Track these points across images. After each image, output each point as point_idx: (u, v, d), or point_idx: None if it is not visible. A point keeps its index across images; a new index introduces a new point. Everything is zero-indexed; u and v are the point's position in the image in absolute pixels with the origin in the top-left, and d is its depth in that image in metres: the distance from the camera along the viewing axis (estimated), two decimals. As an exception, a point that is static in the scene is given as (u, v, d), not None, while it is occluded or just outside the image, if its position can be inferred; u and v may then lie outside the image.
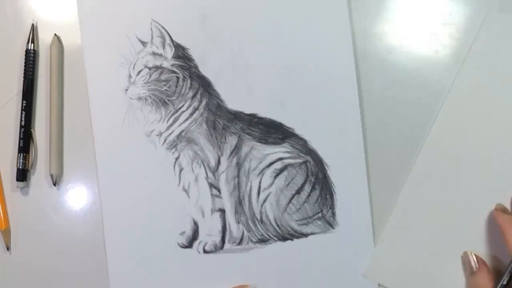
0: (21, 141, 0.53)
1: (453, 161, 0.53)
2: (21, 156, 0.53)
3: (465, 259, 0.47)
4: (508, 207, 0.51)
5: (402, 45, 0.55)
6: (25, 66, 0.54)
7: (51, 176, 0.53)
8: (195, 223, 0.54)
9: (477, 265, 0.46)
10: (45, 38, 0.55)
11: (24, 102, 0.53)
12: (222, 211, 0.54)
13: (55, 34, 0.54)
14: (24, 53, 0.54)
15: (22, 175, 0.53)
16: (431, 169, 0.54)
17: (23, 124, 0.53)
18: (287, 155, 0.54)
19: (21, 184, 0.53)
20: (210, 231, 0.54)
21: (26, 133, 0.53)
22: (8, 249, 0.53)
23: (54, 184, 0.53)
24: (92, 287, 0.53)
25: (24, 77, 0.54)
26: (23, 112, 0.53)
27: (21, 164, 0.53)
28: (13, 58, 0.54)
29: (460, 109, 0.54)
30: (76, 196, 0.54)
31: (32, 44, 0.54)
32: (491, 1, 0.55)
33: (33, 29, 0.54)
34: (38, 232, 0.54)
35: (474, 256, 0.46)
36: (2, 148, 0.54)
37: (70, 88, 0.54)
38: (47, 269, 0.53)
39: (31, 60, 0.54)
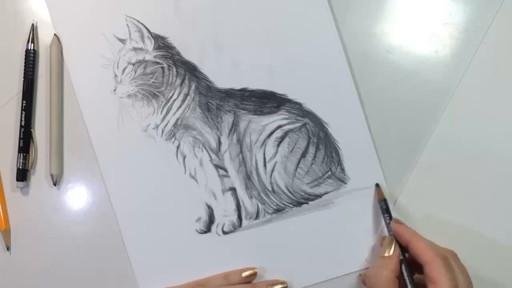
0: (21, 141, 0.53)
1: (460, 155, 0.54)
2: (21, 156, 0.53)
3: (386, 242, 0.49)
4: None
5: (402, 45, 0.55)
6: (25, 66, 0.54)
7: (51, 176, 0.53)
8: (209, 207, 0.54)
9: (391, 253, 0.48)
10: (45, 38, 0.55)
11: (24, 102, 0.53)
12: (233, 190, 0.54)
13: (55, 34, 0.54)
14: (24, 53, 0.54)
15: (22, 175, 0.53)
16: (436, 163, 0.54)
17: (23, 124, 0.53)
18: (285, 121, 0.54)
19: (21, 184, 0.53)
20: (225, 212, 0.54)
21: (26, 133, 0.53)
22: (8, 249, 0.53)
23: (55, 184, 0.53)
24: (92, 287, 0.53)
25: (24, 77, 0.54)
26: (23, 112, 0.53)
27: (21, 164, 0.53)
28: (13, 58, 0.54)
29: (468, 101, 0.54)
30: (76, 196, 0.54)
31: (32, 44, 0.54)
32: (491, 1, 0.55)
33: (33, 29, 0.54)
34: (38, 232, 0.54)
35: (394, 246, 0.49)
36: (2, 148, 0.54)
37: (70, 88, 0.54)
38: (47, 269, 0.53)
39: (31, 60, 0.54)
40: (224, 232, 0.54)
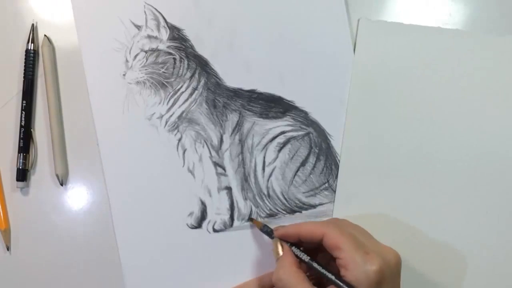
0: (21, 141, 0.53)
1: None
2: (21, 156, 0.53)
3: (273, 247, 0.49)
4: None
5: (402, 45, 0.55)
6: (25, 66, 0.54)
7: (57, 176, 0.53)
8: (203, 203, 0.54)
9: (282, 252, 0.48)
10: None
11: (24, 102, 0.53)
12: (229, 189, 0.54)
13: (45, 35, 0.54)
14: (24, 53, 0.54)
15: (22, 175, 0.53)
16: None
17: (23, 124, 0.53)
18: (289, 128, 0.54)
19: (21, 184, 0.53)
20: (218, 210, 0.54)
21: (26, 133, 0.53)
22: (8, 249, 0.53)
23: (61, 184, 0.53)
24: (92, 287, 0.53)
25: (24, 77, 0.54)
26: (23, 112, 0.53)
27: (21, 164, 0.53)
28: (13, 58, 0.54)
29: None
30: (76, 196, 0.54)
31: (32, 44, 0.54)
32: (490, 1, 0.55)
33: (33, 29, 0.54)
34: (38, 232, 0.54)
35: (280, 245, 0.48)
36: (2, 148, 0.54)
37: (70, 87, 0.54)
38: (47, 269, 0.53)
39: (31, 60, 0.53)
40: (215, 230, 0.54)
